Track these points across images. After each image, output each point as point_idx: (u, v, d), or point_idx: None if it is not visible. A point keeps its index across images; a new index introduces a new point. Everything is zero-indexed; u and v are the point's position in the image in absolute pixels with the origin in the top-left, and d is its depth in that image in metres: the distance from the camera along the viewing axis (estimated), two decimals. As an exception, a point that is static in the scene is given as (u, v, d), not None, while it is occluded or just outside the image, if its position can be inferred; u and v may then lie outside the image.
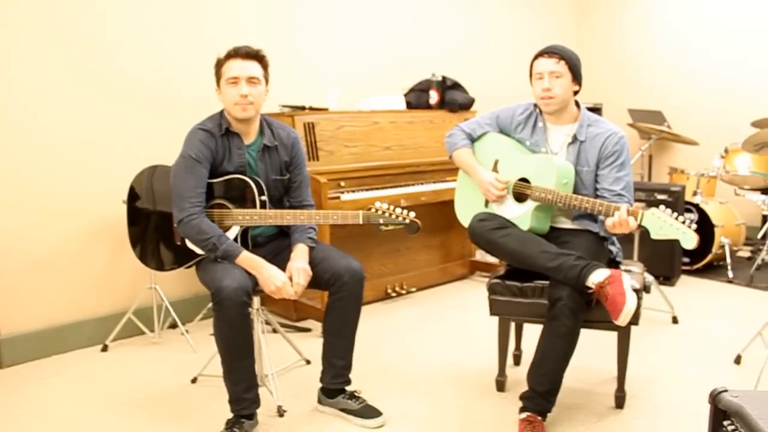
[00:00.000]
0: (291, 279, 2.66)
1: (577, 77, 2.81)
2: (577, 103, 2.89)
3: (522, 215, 2.82)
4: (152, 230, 3.05)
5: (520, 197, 2.88)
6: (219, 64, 2.72)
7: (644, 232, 2.53)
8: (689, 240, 2.40)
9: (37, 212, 3.51)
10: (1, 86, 3.36)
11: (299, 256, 2.73)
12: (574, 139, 2.85)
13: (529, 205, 2.81)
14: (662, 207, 2.47)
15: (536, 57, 2.84)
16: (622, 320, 2.48)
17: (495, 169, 3.01)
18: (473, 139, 3.14)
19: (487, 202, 3.02)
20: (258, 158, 2.79)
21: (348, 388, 2.85)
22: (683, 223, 2.41)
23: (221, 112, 2.78)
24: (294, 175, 2.90)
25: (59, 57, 3.53)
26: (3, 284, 3.44)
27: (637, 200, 2.61)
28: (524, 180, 2.87)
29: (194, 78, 3.96)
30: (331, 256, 2.77)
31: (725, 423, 1.70)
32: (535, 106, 2.95)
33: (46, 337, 3.56)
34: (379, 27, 5.06)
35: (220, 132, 2.72)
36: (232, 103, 2.67)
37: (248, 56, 2.69)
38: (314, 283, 2.76)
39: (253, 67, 2.69)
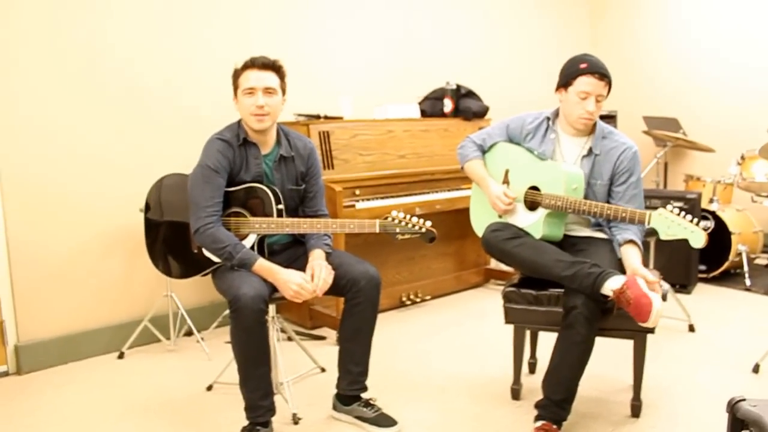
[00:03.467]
0: (312, 278, 2.67)
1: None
2: None
3: (534, 223, 2.82)
4: (169, 238, 3.07)
5: (532, 206, 2.88)
6: (236, 75, 2.74)
7: (659, 239, 2.52)
8: (698, 238, 2.38)
9: (55, 222, 3.55)
10: (18, 98, 3.41)
11: (316, 259, 2.75)
12: (590, 152, 2.85)
13: (541, 212, 2.81)
14: (669, 207, 2.46)
15: (584, 73, 2.72)
16: (652, 321, 2.43)
17: (506, 179, 3.01)
18: (484, 150, 3.14)
19: (501, 212, 3.02)
20: (274, 168, 2.81)
21: (363, 396, 2.85)
22: (691, 221, 2.40)
23: (239, 122, 2.80)
24: (309, 186, 2.92)
25: (75, 69, 3.57)
26: (21, 292, 3.48)
27: (652, 208, 2.60)
28: (534, 188, 2.87)
29: (209, 89, 4.00)
30: (347, 262, 2.78)
31: (743, 432, 1.69)
32: (548, 117, 2.94)
33: (63, 344, 3.59)
34: (394, 35, 5.08)
35: (237, 142, 2.75)
36: (249, 114, 2.69)
37: (265, 67, 2.71)
38: (330, 289, 2.77)
39: (270, 78, 2.71)
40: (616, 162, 2.81)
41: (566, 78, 2.79)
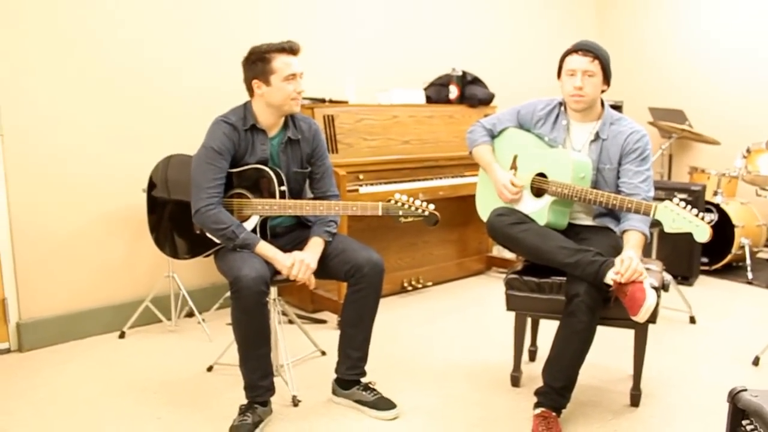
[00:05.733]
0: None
1: (607, 77, 2.79)
2: (601, 102, 2.88)
3: (539, 210, 2.81)
4: (173, 218, 3.07)
5: (538, 192, 2.87)
6: (266, 59, 2.66)
7: (662, 231, 2.51)
8: (702, 233, 2.37)
9: (58, 201, 3.55)
10: (23, 80, 3.39)
11: (309, 248, 2.75)
12: (597, 137, 2.84)
13: (547, 199, 2.80)
14: (676, 200, 2.45)
15: (569, 53, 2.79)
16: (642, 316, 2.45)
17: (514, 165, 3.00)
18: (494, 135, 3.13)
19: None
20: (280, 150, 2.80)
21: (363, 380, 2.86)
22: (696, 215, 2.39)
23: (246, 106, 2.77)
24: (316, 167, 2.91)
25: (79, 49, 3.55)
26: (24, 271, 3.48)
27: (657, 199, 2.58)
28: (542, 175, 2.86)
29: (214, 70, 3.98)
30: (351, 247, 2.78)
31: (744, 422, 1.69)
32: (560, 103, 2.93)
33: (64, 322, 3.60)
34: (400, 21, 5.05)
35: (243, 126, 2.73)
36: (289, 99, 2.69)
37: (298, 52, 2.72)
38: (334, 275, 2.78)
39: (300, 63, 2.72)
40: (624, 144, 2.79)
41: (559, 64, 2.85)
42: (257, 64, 2.68)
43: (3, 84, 3.34)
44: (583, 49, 2.76)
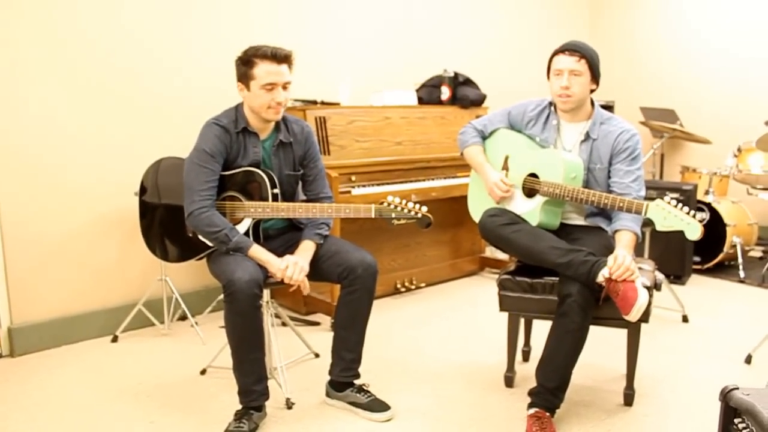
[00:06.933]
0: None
1: (595, 76, 2.80)
2: (591, 101, 2.88)
3: (531, 210, 2.82)
4: (165, 221, 3.06)
5: (530, 193, 2.87)
6: (250, 64, 2.62)
7: (654, 230, 2.52)
8: (693, 230, 2.39)
9: (50, 204, 3.53)
10: (15, 81, 3.38)
11: (300, 251, 2.74)
12: (587, 136, 2.85)
13: (539, 200, 2.80)
14: (667, 198, 2.46)
15: (556, 53, 2.80)
16: (633, 316, 2.46)
17: (505, 165, 3.00)
18: (485, 136, 3.13)
19: (498, 199, 3.02)
20: (272, 153, 2.79)
21: (356, 382, 2.86)
22: (688, 213, 2.40)
23: (237, 108, 2.76)
24: (309, 169, 2.90)
25: (71, 53, 3.54)
26: (16, 274, 3.46)
27: (649, 198, 2.59)
28: (534, 175, 2.87)
29: (206, 72, 3.97)
30: (344, 249, 2.77)
31: (736, 421, 1.70)
32: (551, 103, 2.94)
33: (57, 327, 3.58)
34: (392, 22, 5.05)
35: (235, 129, 2.71)
36: (266, 108, 2.64)
37: (285, 60, 2.64)
38: (326, 277, 2.78)
39: (287, 72, 2.65)
40: (614, 143, 2.80)
41: (547, 64, 2.86)
42: (242, 66, 2.66)
43: (-7, 87, 3.33)
44: (569, 49, 2.77)
